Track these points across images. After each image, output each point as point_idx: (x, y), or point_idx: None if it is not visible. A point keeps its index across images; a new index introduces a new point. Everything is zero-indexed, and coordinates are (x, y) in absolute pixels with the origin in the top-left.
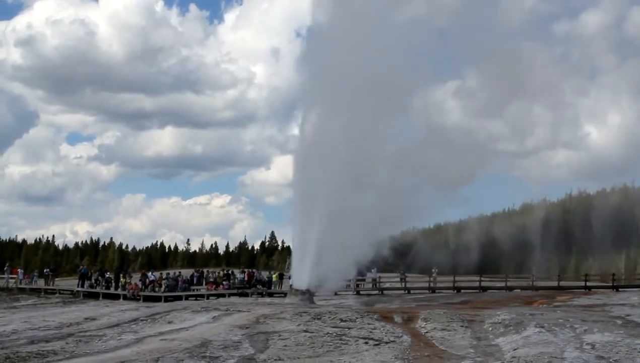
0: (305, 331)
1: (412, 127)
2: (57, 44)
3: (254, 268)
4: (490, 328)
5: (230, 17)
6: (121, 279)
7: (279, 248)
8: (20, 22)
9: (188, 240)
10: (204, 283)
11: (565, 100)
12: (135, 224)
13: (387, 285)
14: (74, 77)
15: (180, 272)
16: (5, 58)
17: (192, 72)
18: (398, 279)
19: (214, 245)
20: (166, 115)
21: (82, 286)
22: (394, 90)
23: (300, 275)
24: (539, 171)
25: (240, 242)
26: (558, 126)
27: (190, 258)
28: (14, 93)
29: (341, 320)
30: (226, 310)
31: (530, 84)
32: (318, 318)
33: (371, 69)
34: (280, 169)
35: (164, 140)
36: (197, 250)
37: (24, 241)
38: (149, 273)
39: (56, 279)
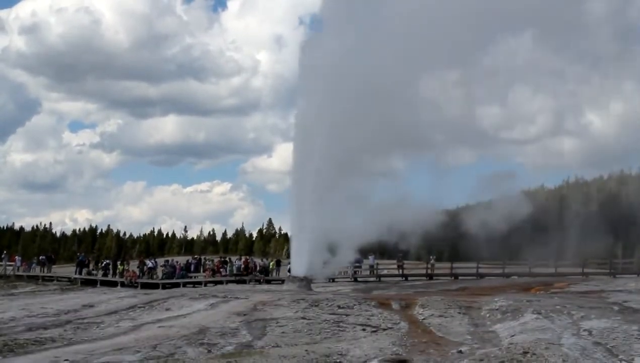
0: (303, 318)
1: (413, 115)
2: (62, 32)
3: (251, 256)
4: (488, 315)
5: (234, 4)
6: (119, 266)
7: (277, 235)
8: (24, 10)
9: (185, 227)
10: (201, 270)
11: (568, 88)
12: (135, 212)
13: (385, 271)
14: (76, 65)
15: (172, 259)
16: (9, 45)
17: (196, 60)
18: (395, 266)
19: (211, 233)
20: (169, 103)
21: (80, 273)
22: (394, 77)
23: (298, 262)
24: (540, 158)
25: (237, 229)
26: (560, 114)
27: (188, 246)
28: (17, 81)
29: (339, 307)
30: (224, 297)
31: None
32: (316, 305)
33: (372, 56)
34: (283, 156)
35: (166, 128)
36: (195, 238)
37: (22, 228)
38: (146, 260)
39: (54, 266)
